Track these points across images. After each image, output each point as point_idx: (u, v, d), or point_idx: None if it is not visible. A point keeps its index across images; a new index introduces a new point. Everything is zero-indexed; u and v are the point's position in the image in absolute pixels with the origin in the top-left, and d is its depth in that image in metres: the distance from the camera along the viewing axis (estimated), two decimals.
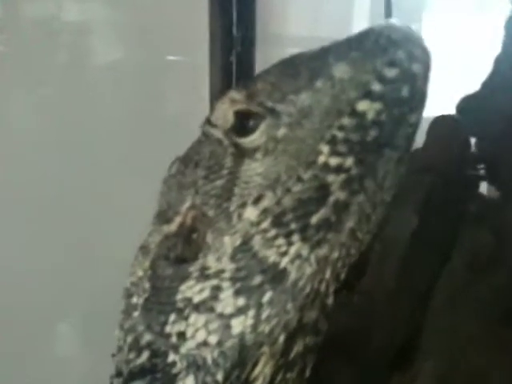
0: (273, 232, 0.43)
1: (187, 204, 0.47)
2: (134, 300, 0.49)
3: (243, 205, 0.44)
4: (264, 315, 0.43)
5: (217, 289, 0.44)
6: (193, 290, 0.45)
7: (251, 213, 0.43)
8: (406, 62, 0.40)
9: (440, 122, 0.67)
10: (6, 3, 1.27)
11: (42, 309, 1.28)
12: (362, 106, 0.41)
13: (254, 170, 0.44)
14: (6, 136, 1.25)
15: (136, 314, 0.49)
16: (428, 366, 0.61)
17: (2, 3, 1.26)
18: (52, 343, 1.38)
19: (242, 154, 0.45)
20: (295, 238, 0.43)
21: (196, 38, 1.40)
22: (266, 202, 0.43)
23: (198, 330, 0.44)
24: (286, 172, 0.43)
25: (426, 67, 0.41)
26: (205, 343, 0.44)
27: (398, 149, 0.43)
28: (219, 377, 0.44)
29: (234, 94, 0.45)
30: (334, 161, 0.42)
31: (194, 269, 0.45)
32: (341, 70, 0.42)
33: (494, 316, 0.59)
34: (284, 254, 0.43)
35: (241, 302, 0.43)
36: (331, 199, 0.42)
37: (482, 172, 0.69)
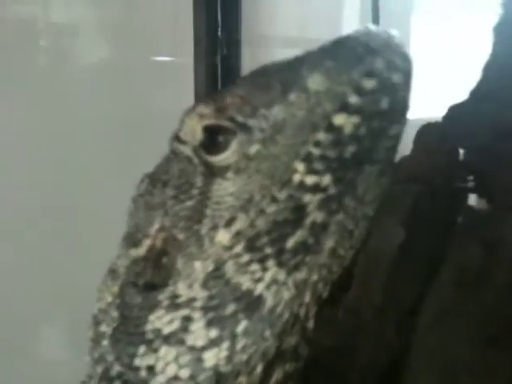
0: (246, 257, 0.40)
1: (156, 226, 0.44)
2: (103, 328, 0.46)
3: (215, 227, 0.41)
4: (239, 346, 0.41)
5: (187, 319, 0.41)
6: (162, 321, 0.42)
7: (223, 236, 0.40)
8: (385, 72, 0.37)
9: (427, 130, 0.65)
10: None
11: (28, 312, 1.27)
12: (339, 119, 0.38)
13: (226, 189, 0.41)
14: None
15: (105, 342, 0.46)
16: None
17: None
18: (39, 346, 1.36)
19: (212, 172, 0.42)
20: (270, 263, 0.40)
21: (181, 40, 1.39)
22: (238, 225, 0.40)
23: (169, 364, 0.42)
24: (260, 192, 0.40)
25: (407, 76, 0.38)
26: (176, 378, 0.41)
27: (378, 163, 0.40)
28: None
29: (203, 109, 0.42)
30: (310, 179, 0.39)
31: (163, 297, 0.42)
32: (315, 82, 0.39)
33: (483, 336, 0.56)
34: (259, 280, 0.40)
35: (213, 333, 0.41)
36: (308, 220, 0.40)
37: (470, 184, 0.66)
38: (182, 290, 0.42)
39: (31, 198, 1.26)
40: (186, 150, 0.44)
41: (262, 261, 0.40)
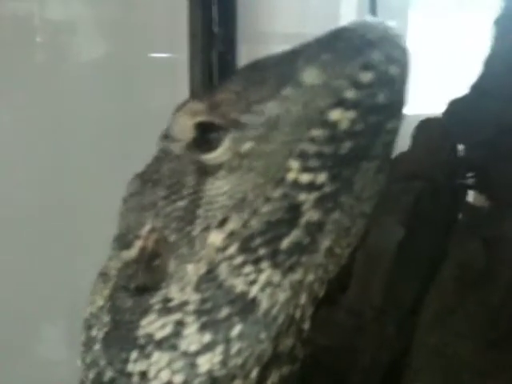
0: (240, 258, 0.39)
1: (147, 227, 0.43)
2: (94, 333, 0.45)
3: (207, 228, 0.39)
4: (234, 350, 0.39)
5: (180, 324, 0.40)
6: (154, 326, 0.41)
7: (216, 237, 0.39)
8: (383, 65, 0.36)
9: (427, 125, 0.63)
10: None
11: (27, 311, 1.26)
12: (335, 115, 0.36)
13: (218, 189, 0.40)
14: None
15: (97, 347, 0.45)
16: None
17: None
18: (38, 346, 1.35)
19: (204, 171, 0.40)
20: (265, 264, 0.38)
21: (177, 36, 1.38)
22: (231, 225, 0.39)
23: (162, 370, 0.40)
24: (253, 191, 0.38)
25: (405, 69, 0.37)
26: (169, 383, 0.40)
27: (375, 159, 0.39)
28: None
29: (194, 105, 0.40)
30: (304, 177, 0.37)
31: (155, 300, 0.41)
32: (311, 76, 0.37)
33: (485, 335, 0.55)
34: (253, 282, 0.39)
35: (207, 337, 0.39)
36: (303, 220, 0.38)
37: (470, 180, 0.64)
38: (175, 293, 0.40)
39: (28, 197, 1.25)
40: (177, 149, 0.42)
41: (256, 262, 0.38)
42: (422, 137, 0.62)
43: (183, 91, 1.31)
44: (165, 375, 0.40)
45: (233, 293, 0.39)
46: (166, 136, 0.43)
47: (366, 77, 0.36)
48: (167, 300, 0.40)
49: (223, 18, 1.33)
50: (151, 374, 0.40)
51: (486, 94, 0.60)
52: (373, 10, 1.19)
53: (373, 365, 0.59)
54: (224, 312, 0.39)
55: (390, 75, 0.36)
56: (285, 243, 0.38)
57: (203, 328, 0.39)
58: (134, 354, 0.41)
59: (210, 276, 0.39)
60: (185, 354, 0.39)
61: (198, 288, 0.39)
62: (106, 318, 0.44)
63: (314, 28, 1.46)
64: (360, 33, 0.36)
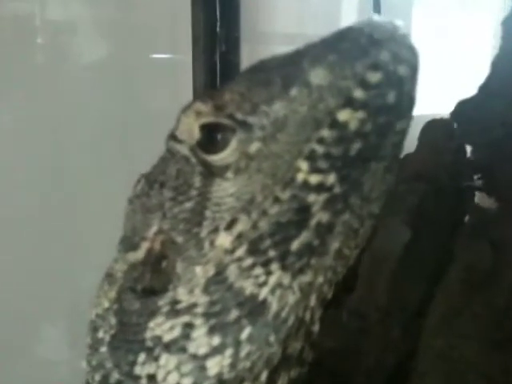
0: (249, 260, 0.38)
1: (154, 228, 0.42)
2: (100, 334, 0.45)
3: (215, 230, 0.39)
4: (243, 353, 0.39)
5: (189, 326, 0.39)
6: (162, 328, 0.40)
7: (224, 239, 0.39)
8: (391, 64, 0.35)
9: (433, 126, 0.63)
10: None
11: (27, 312, 1.25)
12: (343, 115, 0.36)
13: (226, 190, 0.39)
14: None
15: (103, 349, 0.44)
16: None
17: None
18: (38, 346, 1.35)
19: (211, 172, 0.40)
20: (274, 266, 0.38)
21: (180, 37, 1.38)
22: (240, 227, 0.38)
23: (170, 373, 0.40)
24: (262, 192, 0.38)
25: (414, 68, 0.36)
26: None
27: (384, 159, 0.39)
28: None
29: (200, 106, 0.40)
30: (314, 178, 0.37)
31: (163, 302, 0.41)
32: (318, 76, 0.37)
33: (493, 339, 0.54)
34: (263, 284, 0.39)
35: (216, 340, 0.39)
36: (313, 221, 0.38)
37: (477, 182, 0.64)
38: (183, 295, 0.40)
39: (29, 198, 1.25)
40: (183, 150, 0.42)
41: (265, 264, 0.38)
42: (428, 138, 0.62)
43: (186, 92, 1.32)
44: (173, 378, 0.40)
45: (242, 295, 0.38)
46: (172, 137, 0.43)
47: (375, 77, 0.35)
48: (175, 302, 0.40)
49: (226, 19, 1.33)
50: (159, 376, 0.40)
51: (494, 95, 0.60)
52: (377, 10, 1.19)
53: (377, 367, 0.59)
54: (233, 314, 0.38)
55: (399, 75, 0.36)
56: (294, 245, 0.38)
57: (212, 331, 0.39)
58: (141, 357, 0.41)
59: (218, 278, 0.39)
60: (194, 356, 0.39)
61: (206, 290, 0.39)
62: (113, 320, 0.43)
63: (317, 28, 1.47)
64: (367, 32, 0.36)
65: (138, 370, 0.41)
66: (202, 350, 0.39)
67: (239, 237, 0.38)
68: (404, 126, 0.38)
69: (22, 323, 1.25)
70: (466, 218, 0.63)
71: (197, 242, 0.40)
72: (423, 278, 0.60)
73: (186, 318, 0.39)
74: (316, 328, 0.43)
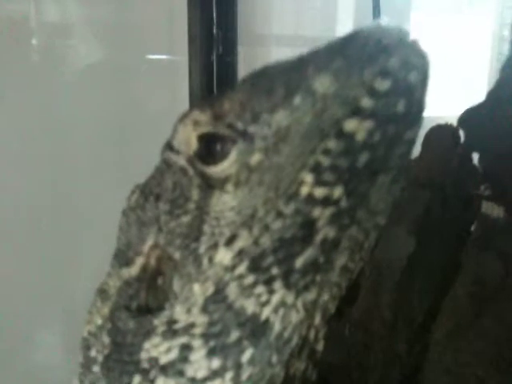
0: (250, 278, 0.36)
1: (149, 243, 0.40)
2: (93, 353, 0.43)
3: (214, 246, 0.37)
4: (244, 376, 0.38)
5: (187, 348, 0.38)
6: (159, 349, 0.38)
7: (224, 255, 0.37)
8: (401, 72, 0.34)
9: (437, 132, 0.61)
10: None
11: (21, 317, 1.24)
12: (350, 125, 0.34)
13: (226, 203, 0.38)
14: None
15: (96, 369, 0.43)
16: None
17: None
18: (32, 351, 1.33)
19: (210, 184, 0.38)
20: (277, 284, 0.36)
21: (176, 38, 1.37)
22: (240, 243, 0.37)
23: None
24: (264, 206, 0.36)
25: (424, 75, 0.35)
26: None
27: (392, 170, 0.37)
28: None
29: (198, 115, 0.38)
30: (319, 192, 0.35)
31: (159, 322, 0.39)
32: (323, 84, 0.35)
33: (503, 355, 0.52)
34: (265, 303, 0.37)
35: (216, 363, 0.37)
36: (318, 237, 0.36)
37: (484, 191, 0.62)
38: (180, 314, 0.38)
39: (24, 202, 1.24)
40: (180, 160, 0.40)
41: (267, 282, 0.36)
42: (432, 144, 0.60)
43: (183, 93, 1.31)
44: None
45: (243, 315, 0.36)
46: (169, 147, 0.41)
47: (384, 85, 0.34)
48: (172, 322, 0.38)
49: (223, 20, 1.32)
50: None
51: (504, 102, 0.58)
52: (376, 13, 1.17)
53: (382, 382, 0.57)
54: (234, 335, 0.37)
55: (409, 83, 0.34)
56: (299, 262, 0.36)
57: (211, 353, 0.37)
58: (136, 379, 0.39)
59: (218, 297, 0.37)
60: (192, 380, 0.37)
61: (205, 309, 0.37)
62: (106, 340, 0.42)
63: (313, 30, 1.46)
64: (375, 38, 0.34)
65: None
66: (201, 374, 0.37)
67: (240, 253, 0.36)
68: (413, 135, 0.36)
69: (17, 328, 1.24)
70: (473, 228, 0.61)
71: (195, 259, 0.38)
72: (429, 290, 0.58)
73: (183, 339, 0.38)
74: (320, 346, 0.41)
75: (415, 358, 0.57)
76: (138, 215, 0.42)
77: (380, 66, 0.33)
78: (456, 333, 0.55)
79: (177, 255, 0.39)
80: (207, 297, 0.37)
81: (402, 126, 0.35)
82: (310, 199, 0.35)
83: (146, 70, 1.36)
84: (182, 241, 0.39)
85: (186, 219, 0.39)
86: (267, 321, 0.36)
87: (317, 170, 0.35)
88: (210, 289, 0.37)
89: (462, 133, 0.62)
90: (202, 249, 0.37)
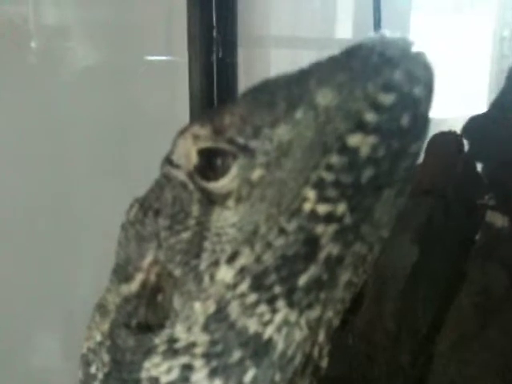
0: (253, 297, 0.36)
1: (149, 259, 0.40)
2: (93, 370, 0.42)
3: (215, 263, 0.37)
4: None
5: (188, 368, 0.37)
6: (159, 369, 0.38)
7: (225, 273, 0.36)
8: (406, 85, 0.33)
9: (440, 138, 0.60)
10: None
11: (20, 319, 1.23)
12: (354, 140, 0.34)
13: (227, 220, 0.37)
14: None
15: None
16: None
17: None
18: (31, 354, 1.33)
19: (210, 200, 0.38)
20: (280, 303, 0.36)
21: (175, 38, 1.37)
22: (242, 260, 0.36)
23: None
24: (266, 223, 0.36)
25: (429, 88, 0.34)
26: None
27: (397, 183, 0.36)
28: None
29: (198, 130, 0.37)
30: (322, 208, 0.34)
31: (159, 341, 0.38)
32: (325, 97, 0.34)
33: (510, 367, 0.52)
34: (268, 322, 0.36)
35: None
36: (322, 254, 0.35)
37: (489, 200, 0.61)
38: (181, 333, 0.37)
39: (23, 203, 1.23)
40: (180, 175, 0.39)
41: (270, 301, 0.36)
42: (435, 151, 0.59)
43: (182, 95, 1.31)
44: None
45: (246, 334, 0.36)
46: (168, 161, 0.40)
47: (388, 99, 0.33)
48: (173, 340, 0.38)
49: (223, 22, 1.31)
50: None
51: (506, 111, 0.57)
52: (376, 12, 1.16)
53: None
54: (236, 355, 0.36)
55: (414, 96, 0.33)
56: (302, 280, 0.35)
57: (213, 373, 0.36)
58: None
59: (219, 315, 0.36)
60: None
61: (206, 328, 0.36)
62: (106, 358, 0.41)
63: (312, 31, 1.46)
64: (378, 50, 0.33)
65: None
66: None
67: (242, 271, 0.36)
68: (418, 148, 0.36)
69: (17, 331, 1.24)
70: (477, 237, 0.61)
71: (195, 276, 0.37)
72: (433, 300, 0.58)
73: (184, 359, 0.37)
74: (324, 363, 0.40)
75: (419, 369, 0.56)
76: (138, 230, 0.41)
77: (384, 79, 0.33)
78: (461, 344, 0.54)
79: (177, 272, 0.38)
80: (208, 315, 0.36)
81: (406, 140, 0.34)
82: (313, 216, 0.34)
83: (145, 72, 1.36)
84: (182, 257, 0.38)
85: (186, 235, 0.38)
86: (270, 340, 0.36)
87: (320, 185, 0.34)
88: (212, 307, 0.36)
89: (465, 141, 0.61)
90: (203, 266, 0.37)
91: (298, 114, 0.34)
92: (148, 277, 0.40)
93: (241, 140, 0.36)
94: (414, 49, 0.34)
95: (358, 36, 1.58)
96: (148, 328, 0.39)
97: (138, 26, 1.32)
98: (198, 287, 0.37)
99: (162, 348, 0.37)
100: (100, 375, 0.41)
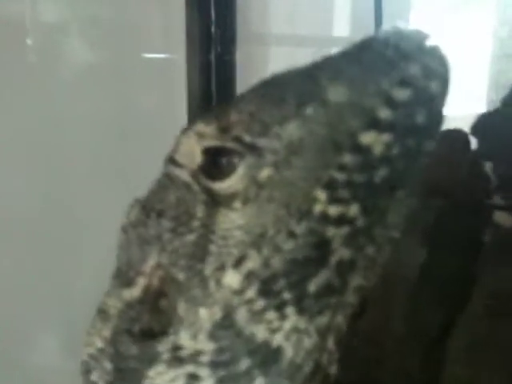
0: (261, 303, 0.34)
1: (151, 262, 0.38)
2: (95, 378, 0.41)
3: (221, 267, 0.35)
4: None
5: (193, 378, 0.36)
6: (163, 378, 0.37)
7: (232, 278, 0.35)
8: (422, 80, 0.32)
9: (447, 137, 0.59)
10: None
11: (20, 319, 1.22)
12: (367, 138, 0.32)
13: (233, 222, 0.35)
14: None
15: None
16: None
17: None
18: (31, 354, 1.33)
19: (216, 201, 0.36)
20: (290, 310, 0.35)
21: (173, 36, 1.37)
22: (249, 264, 0.34)
23: None
24: (274, 225, 0.34)
25: (446, 84, 0.33)
26: None
27: (410, 184, 0.35)
28: None
29: (202, 127, 0.36)
30: (333, 210, 0.33)
31: (163, 348, 0.37)
32: (337, 93, 0.33)
33: None
34: (277, 330, 0.35)
35: None
36: (333, 258, 0.34)
37: (498, 200, 0.60)
38: (186, 340, 0.36)
39: (23, 203, 1.23)
40: (184, 175, 0.38)
41: (279, 308, 0.34)
42: (441, 148, 0.58)
43: (179, 92, 1.30)
44: None
45: (254, 342, 0.35)
46: (171, 160, 0.39)
47: (403, 94, 0.32)
48: (177, 348, 0.36)
49: (221, 19, 1.30)
50: None
51: None
52: (378, 13, 1.15)
53: None
54: (244, 364, 0.35)
55: (430, 92, 0.32)
56: (312, 285, 0.34)
57: (220, 383, 0.35)
58: None
59: (226, 322, 0.35)
60: None
61: (212, 336, 0.35)
62: (108, 365, 0.40)
63: (310, 28, 1.45)
64: (393, 43, 0.32)
65: None
66: None
67: (249, 276, 0.34)
68: (432, 146, 0.34)
69: (17, 332, 1.23)
70: (487, 238, 0.59)
71: (201, 281, 0.36)
72: (442, 302, 0.56)
73: (189, 368, 0.36)
74: (334, 370, 0.39)
75: (429, 374, 0.55)
76: (139, 232, 0.40)
77: (399, 74, 0.31)
78: (472, 347, 0.53)
79: (181, 276, 0.36)
80: (215, 322, 0.35)
81: (421, 138, 0.33)
82: (324, 218, 0.33)
83: (142, 69, 1.36)
84: (186, 261, 0.36)
85: (190, 238, 0.36)
86: (279, 348, 0.35)
87: (331, 186, 0.33)
88: (218, 314, 0.35)
89: (474, 140, 0.60)
90: (209, 270, 0.35)
91: (309, 111, 0.33)
92: (151, 281, 0.38)
93: (248, 138, 0.34)
94: (430, 42, 0.33)
95: (356, 34, 1.57)
96: (151, 335, 0.38)
97: (135, 23, 1.32)
98: (204, 292, 0.35)
99: (165, 356, 0.36)
100: (101, 383, 0.39)
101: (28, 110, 1.24)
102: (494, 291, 0.53)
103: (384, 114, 0.32)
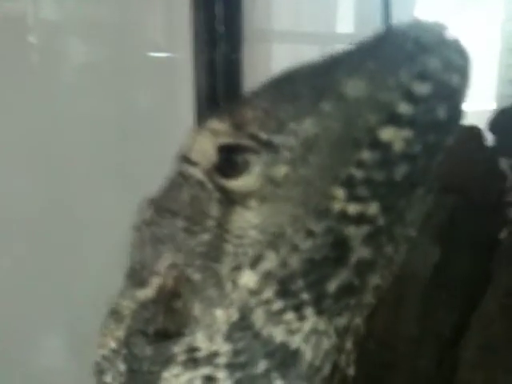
0: (279, 304, 0.34)
1: (166, 262, 0.38)
2: (108, 379, 0.41)
3: (238, 268, 0.35)
4: None
5: (210, 380, 0.35)
6: (179, 380, 0.36)
7: (249, 278, 0.34)
8: (442, 73, 0.31)
9: (462, 133, 0.58)
10: None
11: (24, 320, 1.21)
12: (386, 134, 0.32)
13: (249, 221, 0.35)
14: None
15: None
16: None
17: None
18: (35, 355, 1.33)
19: (231, 200, 0.36)
20: (308, 311, 0.34)
21: (179, 35, 1.36)
22: (267, 264, 0.34)
23: None
24: (291, 224, 0.34)
25: (466, 77, 0.32)
26: None
27: (429, 181, 0.35)
28: None
29: (217, 124, 0.36)
30: (352, 208, 0.33)
31: (179, 349, 0.36)
32: (355, 87, 0.32)
33: None
34: (295, 331, 0.35)
35: None
36: (353, 258, 0.34)
37: None
38: (202, 342, 0.36)
39: (25, 202, 1.22)
40: (198, 173, 0.37)
41: (298, 308, 0.34)
42: (457, 146, 0.57)
43: (185, 92, 1.30)
44: None
45: (272, 343, 0.34)
46: (185, 158, 0.38)
47: (423, 88, 0.31)
48: (193, 349, 0.36)
49: (227, 16, 1.30)
50: None
51: None
52: (386, 11, 1.14)
53: None
54: (261, 366, 0.34)
55: (451, 86, 0.31)
56: (331, 286, 0.33)
57: None
58: None
59: (243, 323, 0.34)
60: None
61: (229, 337, 0.35)
62: (122, 367, 0.39)
63: (315, 25, 1.45)
64: (412, 36, 0.31)
65: None
66: None
67: (266, 276, 0.34)
68: (451, 141, 0.34)
69: (18, 331, 1.22)
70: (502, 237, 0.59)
71: (217, 281, 0.35)
72: (457, 303, 0.56)
73: (206, 370, 0.35)
74: (351, 371, 0.39)
75: (443, 375, 0.54)
76: (153, 232, 0.39)
77: (419, 68, 0.31)
78: (487, 348, 0.52)
79: (196, 277, 0.36)
80: (231, 323, 0.34)
81: (442, 133, 0.33)
82: (343, 216, 0.32)
83: (147, 68, 1.35)
84: (201, 261, 0.36)
85: (205, 237, 0.36)
86: (298, 350, 0.34)
87: (349, 184, 0.32)
88: (235, 315, 0.34)
89: (490, 136, 0.60)
90: (225, 270, 0.35)
91: (326, 107, 0.33)
92: (165, 281, 0.38)
93: (263, 135, 0.34)
94: (449, 35, 0.32)
95: (360, 30, 1.57)
96: (166, 336, 0.37)
97: (140, 21, 1.32)
98: (220, 293, 0.35)
99: (181, 357, 0.36)
100: None
101: (30, 108, 1.23)
102: (509, 290, 0.53)
103: (404, 108, 0.31)
